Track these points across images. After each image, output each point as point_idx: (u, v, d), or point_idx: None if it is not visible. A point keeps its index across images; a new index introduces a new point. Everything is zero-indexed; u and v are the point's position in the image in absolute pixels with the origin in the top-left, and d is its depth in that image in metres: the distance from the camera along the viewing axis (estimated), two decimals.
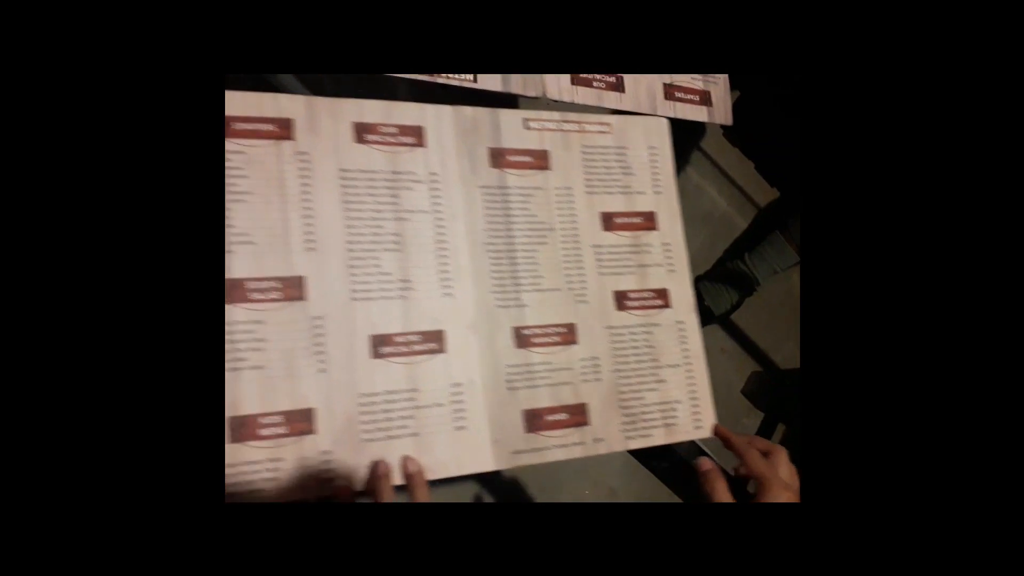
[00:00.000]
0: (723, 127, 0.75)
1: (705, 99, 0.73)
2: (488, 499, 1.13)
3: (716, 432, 0.62)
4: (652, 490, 1.23)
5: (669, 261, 0.66)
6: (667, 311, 0.64)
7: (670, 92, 0.71)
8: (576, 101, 0.65)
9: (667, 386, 0.62)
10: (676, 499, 0.71)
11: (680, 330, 0.65)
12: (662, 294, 0.65)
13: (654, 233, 0.66)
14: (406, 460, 0.51)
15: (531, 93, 0.63)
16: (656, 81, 0.70)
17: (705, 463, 0.58)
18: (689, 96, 0.72)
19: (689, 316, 0.65)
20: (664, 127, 0.69)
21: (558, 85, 0.64)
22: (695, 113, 0.72)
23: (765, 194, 1.44)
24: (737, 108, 0.75)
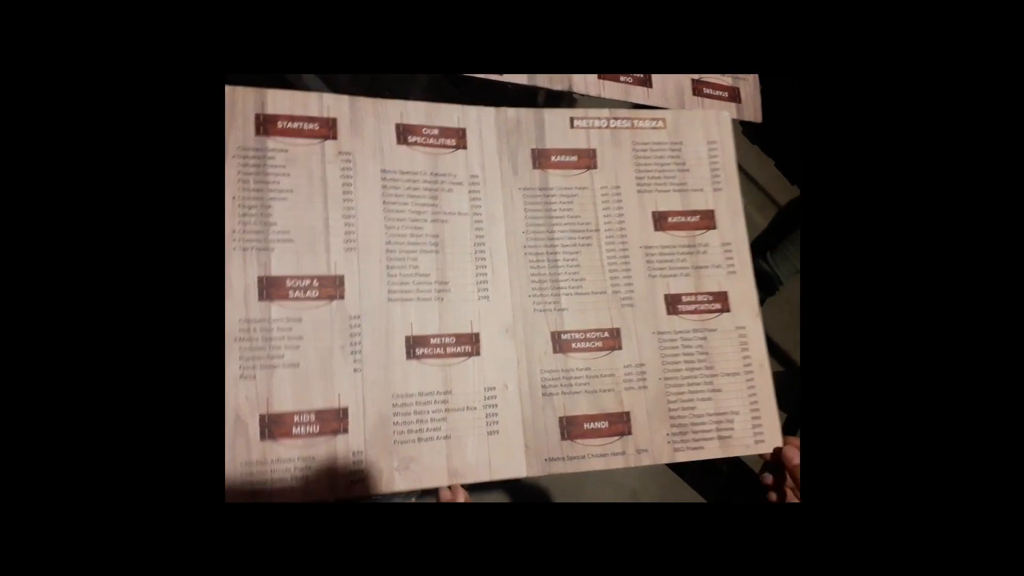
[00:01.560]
0: (743, 124, 0.69)
1: (734, 95, 0.68)
2: (506, 499, 1.10)
3: (782, 454, 0.56)
4: (674, 493, 1.18)
5: (729, 262, 0.60)
6: (725, 316, 0.59)
7: (698, 88, 0.66)
8: (603, 95, 0.62)
9: (723, 396, 0.57)
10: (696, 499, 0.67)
11: (740, 336, 0.59)
12: (720, 297, 0.59)
13: (712, 232, 0.61)
14: (455, 491, 0.50)
15: (557, 87, 0.60)
16: (684, 77, 0.66)
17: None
18: (718, 92, 0.67)
19: (752, 321, 0.60)
20: (726, 120, 0.63)
21: (584, 79, 0.61)
22: (724, 110, 0.67)
23: (786, 192, 1.39)
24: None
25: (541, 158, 0.58)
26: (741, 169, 1.29)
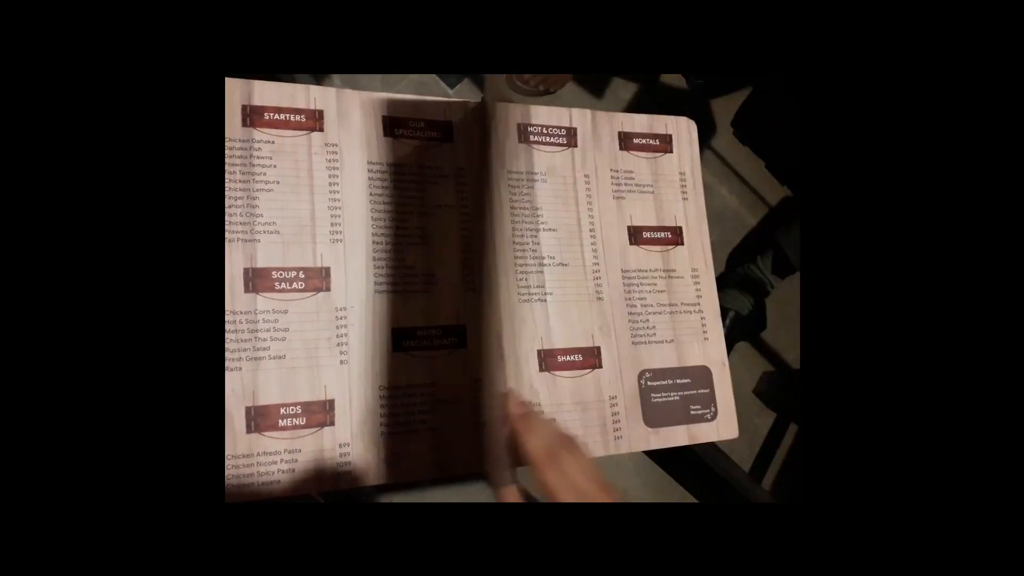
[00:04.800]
0: (733, 125, 0.69)
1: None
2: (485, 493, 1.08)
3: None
4: (665, 492, 1.18)
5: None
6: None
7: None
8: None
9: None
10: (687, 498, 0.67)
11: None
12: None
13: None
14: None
15: None
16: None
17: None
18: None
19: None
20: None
21: None
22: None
23: (776, 192, 1.38)
24: (747, 105, 0.69)
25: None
26: (731, 169, 1.30)
